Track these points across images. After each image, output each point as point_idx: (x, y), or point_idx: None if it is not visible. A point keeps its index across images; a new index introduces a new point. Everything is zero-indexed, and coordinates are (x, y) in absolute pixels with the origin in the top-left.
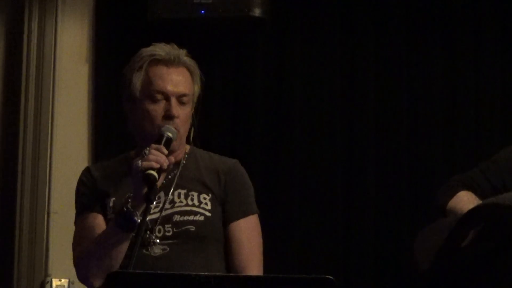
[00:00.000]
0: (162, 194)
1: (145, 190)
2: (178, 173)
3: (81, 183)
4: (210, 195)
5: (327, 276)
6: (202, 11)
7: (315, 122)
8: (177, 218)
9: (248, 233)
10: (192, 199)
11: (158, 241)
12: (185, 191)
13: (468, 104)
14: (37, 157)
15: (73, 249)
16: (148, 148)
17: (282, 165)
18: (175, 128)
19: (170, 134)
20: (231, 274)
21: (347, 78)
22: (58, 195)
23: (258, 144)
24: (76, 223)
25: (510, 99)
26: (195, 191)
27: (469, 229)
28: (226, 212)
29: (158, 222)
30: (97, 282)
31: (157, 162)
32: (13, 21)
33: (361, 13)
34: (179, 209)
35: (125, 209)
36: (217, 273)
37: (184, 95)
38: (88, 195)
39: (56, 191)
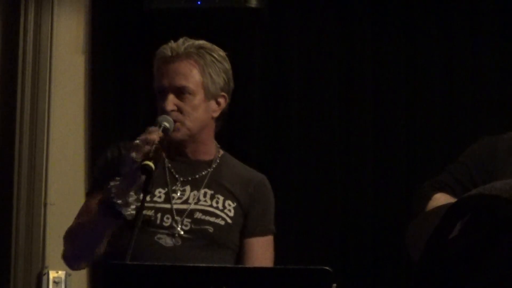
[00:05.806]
0: (188, 188)
1: (143, 180)
2: (208, 174)
3: (104, 159)
4: (235, 203)
5: (325, 267)
6: (199, 2)
7: (313, 112)
8: (198, 215)
9: (262, 252)
10: (217, 202)
11: (182, 233)
12: (212, 192)
13: (467, 98)
14: (34, 148)
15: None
16: (138, 139)
17: (279, 157)
18: (174, 120)
19: (166, 124)
20: (227, 265)
21: (345, 68)
22: (55, 186)
23: (255, 135)
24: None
25: (508, 91)
26: (222, 195)
27: (456, 220)
28: (246, 225)
29: (182, 214)
30: (77, 265)
31: (147, 143)
32: (9, 11)
33: (358, 3)
34: (202, 207)
35: (109, 199)
36: (214, 265)
37: (183, 87)
38: (104, 174)
39: (53, 182)
